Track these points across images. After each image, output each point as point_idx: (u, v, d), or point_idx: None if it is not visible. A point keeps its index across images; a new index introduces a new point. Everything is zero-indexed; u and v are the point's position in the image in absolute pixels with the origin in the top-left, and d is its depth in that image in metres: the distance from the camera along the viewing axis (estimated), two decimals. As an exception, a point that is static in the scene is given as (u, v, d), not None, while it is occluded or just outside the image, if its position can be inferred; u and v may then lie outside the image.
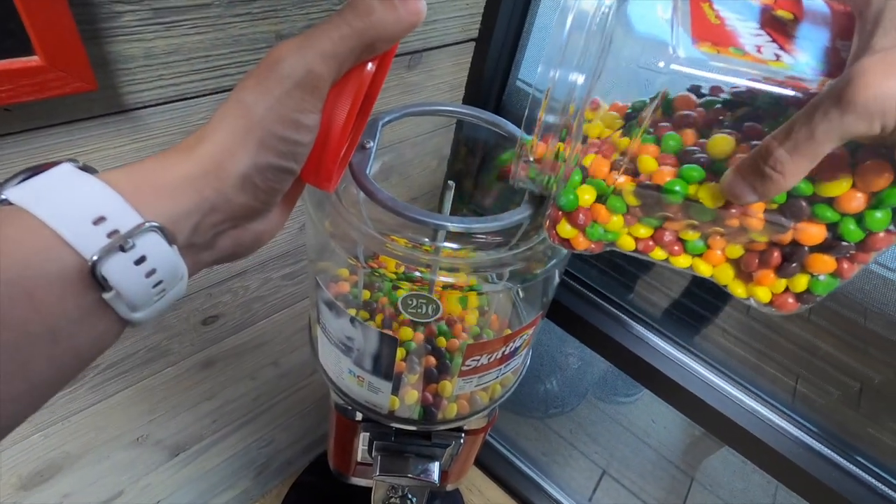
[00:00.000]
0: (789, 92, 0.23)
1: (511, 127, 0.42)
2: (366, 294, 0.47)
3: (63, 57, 0.31)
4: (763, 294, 0.27)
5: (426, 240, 0.37)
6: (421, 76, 0.57)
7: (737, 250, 0.27)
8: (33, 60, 0.30)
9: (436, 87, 0.61)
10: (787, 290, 0.27)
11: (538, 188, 0.31)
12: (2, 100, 0.30)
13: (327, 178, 0.26)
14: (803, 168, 0.21)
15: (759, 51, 0.23)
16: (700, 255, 0.28)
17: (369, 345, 0.40)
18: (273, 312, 0.65)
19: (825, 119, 0.19)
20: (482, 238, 0.37)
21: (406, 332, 0.44)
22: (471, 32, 0.59)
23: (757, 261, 0.27)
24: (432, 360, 0.44)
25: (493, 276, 0.37)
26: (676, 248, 0.28)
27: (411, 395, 0.45)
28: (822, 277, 0.26)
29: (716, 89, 0.25)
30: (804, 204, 0.24)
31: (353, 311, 0.40)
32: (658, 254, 0.28)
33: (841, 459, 0.58)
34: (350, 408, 0.48)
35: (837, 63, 0.22)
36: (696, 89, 0.26)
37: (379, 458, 0.52)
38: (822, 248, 0.25)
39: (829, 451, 0.59)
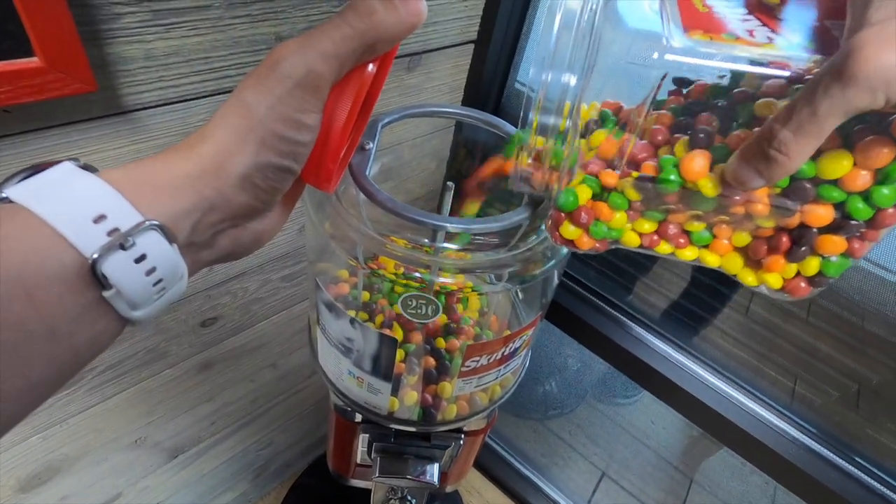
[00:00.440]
0: (786, 73, 0.23)
1: (510, 128, 0.42)
2: (365, 295, 0.47)
3: (62, 58, 0.31)
4: (774, 280, 0.27)
5: (426, 241, 0.37)
6: (420, 78, 0.58)
7: (744, 238, 0.27)
8: (33, 62, 0.30)
9: (435, 89, 0.61)
10: (798, 274, 0.26)
11: (537, 190, 0.31)
12: (1, 101, 0.30)
13: (327, 178, 0.26)
14: (809, 148, 0.20)
15: (751, 35, 0.23)
16: (706, 246, 0.28)
17: (369, 346, 0.40)
18: (272, 314, 0.65)
19: (827, 96, 0.19)
20: (481, 239, 0.37)
21: (406, 333, 0.44)
22: (470, 35, 0.59)
23: (765, 247, 0.26)
24: (432, 361, 0.44)
25: (491, 277, 0.37)
26: (682, 240, 0.28)
27: (411, 396, 0.45)
28: (833, 259, 0.25)
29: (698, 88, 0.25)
30: (808, 185, 0.24)
31: (352, 313, 0.40)
32: (664, 248, 0.28)
33: (839, 460, 0.58)
34: (349, 409, 0.48)
35: (828, 41, 0.22)
36: (680, 83, 0.26)
37: (378, 459, 0.52)
38: (831, 228, 0.24)
39: (827, 452, 0.59)
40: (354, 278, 0.48)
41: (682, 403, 0.65)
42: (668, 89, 0.26)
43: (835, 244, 0.25)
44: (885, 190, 0.23)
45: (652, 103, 0.25)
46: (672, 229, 0.27)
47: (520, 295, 0.50)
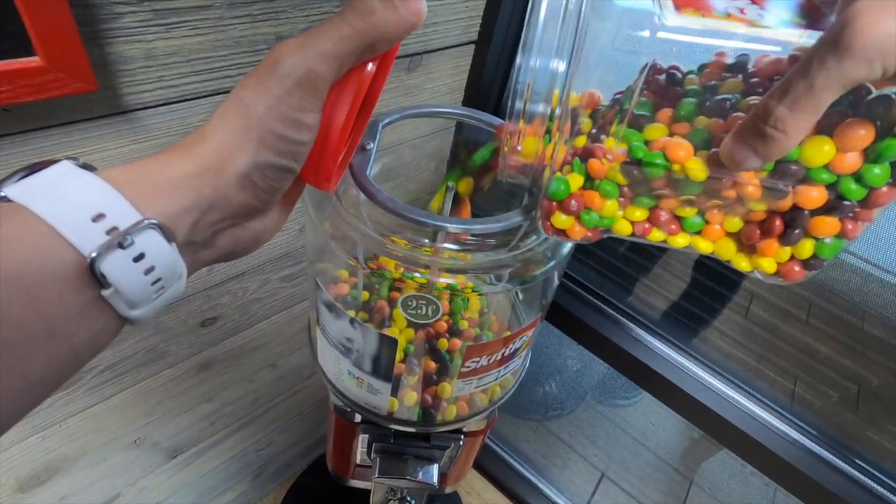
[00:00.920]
0: (778, 48, 0.23)
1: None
2: (365, 295, 0.47)
3: (63, 58, 0.31)
4: (768, 265, 0.26)
5: (426, 241, 0.37)
6: (421, 78, 0.58)
7: (736, 223, 0.27)
8: (33, 61, 0.30)
9: (435, 90, 0.61)
10: (792, 258, 0.26)
11: (527, 180, 0.31)
12: (1, 100, 0.30)
13: (327, 178, 0.26)
14: (806, 123, 0.20)
15: (741, 12, 0.23)
16: (699, 233, 0.27)
17: (369, 346, 0.40)
18: (272, 314, 0.65)
19: (823, 68, 0.19)
20: (482, 239, 0.37)
21: (405, 333, 0.44)
22: (470, 35, 0.59)
23: (758, 231, 0.26)
24: (432, 361, 0.44)
25: (491, 278, 0.37)
26: (674, 226, 0.27)
27: (410, 396, 0.45)
28: (827, 240, 0.25)
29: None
30: (796, 166, 0.23)
31: (352, 313, 0.40)
32: (656, 235, 0.28)
33: (839, 462, 0.58)
34: (349, 409, 0.48)
35: (817, 17, 0.22)
36: (671, 73, 0.26)
37: (378, 459, 0.52)
38: (824, 209, 0.24)
39: (827, 454, 0.59)
40: (354, 278, 0.48)
41: (682, 405, 0.65)
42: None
43: (828, 225, 0.24)
44: (876, 170, 0.22)
45: (642, 87, 0.25)
46: (663, 216, 0.27)
47: (520, 296, 0.50)
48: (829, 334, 0.77)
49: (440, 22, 0.55)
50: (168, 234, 0.20)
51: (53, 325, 0.18)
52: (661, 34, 0.23)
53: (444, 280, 0.35)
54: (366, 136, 0.38)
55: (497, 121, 0.43)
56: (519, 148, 0.28)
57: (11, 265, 0.17)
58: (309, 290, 0.48)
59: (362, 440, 0.53)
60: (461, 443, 0.53)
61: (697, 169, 0.24)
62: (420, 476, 0.52)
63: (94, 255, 0.18)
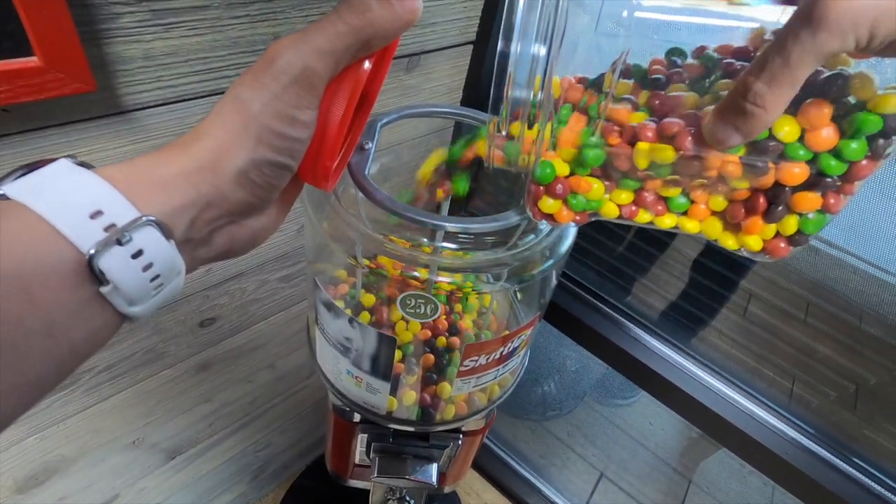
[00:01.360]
0: (755, 25, 0.23)
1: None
2: (364, 295, 0.47)
3: (62, 58, 0.31)
4: (754, 242, 0.27)
5: (425, 240, 0.37)
6: (419, 78, 0.58)
7: (721, 202, 0.27)
8: (32, 61, 0.30)
9: (433, 90, 0.61)
10: (777, 234, 0.27)
11: (513, 167, 0.31)
12: (0, 100, 0.30)
13: (325, 176, 0.26)
14: (784, 98, 0.20)
15: None
16: (685, 213, 0.28)
17: (368, 345, 0.40)
18: (270, 315, 0.65)
19: (797, 42, 0.19)
20: (480, 238, 0.37)
21: (404, 333, 0.44)
22: (468, 35, 0.59)
23: (742, 210, 0.26)
24: (431, 360, 0.44)
25: (489, 277, 0.37)
26: (660, 207, 0.28)
27: (409, 395, 0.45)
28: (810, 216, 0.25)
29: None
30: (772, 143, 0.24)
31: (349, 312, 0.40)
32: (643, 216, 0.28)
33: (837, 461, 0.58)
34: (348, 409, 0.48)
35: None
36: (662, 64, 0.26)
37: (377, 459, 0.52)
38: (806, 185, 0.25)
39: (825, 453, 0.59)
40: (353, 278, 0.48)
41: (681, 404, 0.65)
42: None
43: (810, 201, 0.25)
44: (853, 144, 0.23)
45: (621, 69, 0.25)
46: (649, 197, 0.27)
47: (518, 295, 0.50)
48: (827, 333, 0.77)
49: (438, 22, 0.55)
50: (166, 231, 0.20)
51: (52, 322, 0.18)
52: (638, 14, 0.23)
53: (443, 279, 0.36)
54: (364, 135, 0.38)
55: (495, 120, 0.43)
56: (504, 134, 0.28)
57: (10, 262, 0.17)
58: (308, 290, 0.48)
59: (361, 440, 0.53)
60: (460, 442, 0.53)
61: (663, 149, 0.25)
62: (419, 475, 0.52)
63: (92, 251, 0.18)
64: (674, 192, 0.27)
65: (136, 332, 0.52)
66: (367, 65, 0.24)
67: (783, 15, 0.21)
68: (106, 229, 0.18)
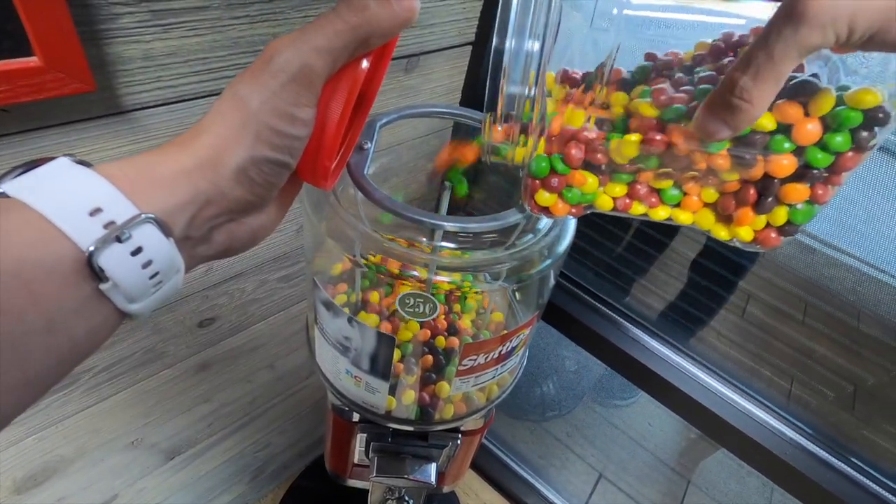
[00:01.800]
0: (742, 21, 0.24)
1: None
2: (363, 294, 0.47)
3: (61, 58, 0.31)
4: (745, 233, 0.28)
5: (424, 240, 0.37)
6: (418, 79, 0.58)
7: (712, 194, 0.28)
8: (32, 61, 0.30)
9: (432, 91, 0.61)
10: (768, 225, 0.27)
11: (510, 162, 0.31)
12: (0, 100, 0.30)
13: (324, 175, 0.26)
14: (769, 92, 0.21)
15: None
16: (678, 205, 0.29)
17: (367, 345, 0.40)
18: (269, 315, 0.65)
19: (780, 38, 0.19)
20: (479, 237, 0.38)
21: (403, 332, 0.44)
22: (467, 36, 0.60)
23: (733, 201, 0.27)
24: (429, 359, 0.44)
25: (488, 276, 0.37)
26: (653, 199, 0.28)
27: (408, 395, 0.45)
28: (799, 206, 0.26)
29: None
30: (758, 136, 0.24)
31: (347, 310, 0.40)
32: (637, 209, 0.29)
33: (836, 461, 0.58)
34: (347, 409, 0.48)
35: None
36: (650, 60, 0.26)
37: (376, 459, 0.52)
38: (794, 177, 0.25)
39: (824, 453, 0.59)
40: (352, 278, 0.48)
41: (679, 404, 0.65)
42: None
43: (798, 192, 0.25)
44: (838, 138, 0.24)
45: (612, 66, 0.25)
46: (642, 189, 0.28)
47: (517, 294, 0.50)
48: (825, 334, 0.77)
49: (437, 23, 0.55)
50: (165, 229, 0.20)
51: (52, 319, 0.18)
52: (627, 11, 0.24)
53: (442, 278, 0.36)
54: (363, 135, 0.38)
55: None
56: (499, 128, 0.29)
57: (10, 260, 0.17)
58: (307, 290, 0.48)
59: (360, 439, 0.53)
60: (459, 442, 0.53)
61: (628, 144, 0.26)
62: (418, 475, 0.52)
63: (91, 248, 0.18)
64: (666, 185, 0.28)
65: (136, 332, 0.52)
66: (365, 63, 0.24)
67: (769, 11, 0.22)
68: (105, 227, 0.19)
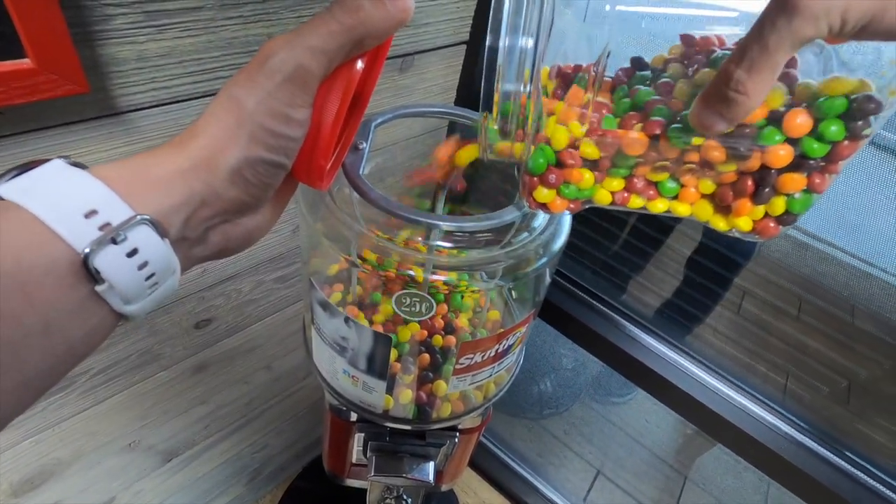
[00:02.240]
0: (734, 14, 0.24)
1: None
2: (360, 293, 0.47)
3: (54, 59, 0.31)
4: (744, 223, 0.28)
5: (419, 239, 0.37)
6: (412, 79, 0.58)
7: (710, 185, 0.28)
8: (24, 63, 0.30)
9: (427, 90, 0.61)
10: (766, 215, 0.27)
11: (507, 159, 0.31)
12: (-7, 102, 0.30)
13: (319, 175, 0.26)
14: (765, 84, 0.21)
15: None
16: (676, 198, 0.29)
17: (363, 344, 0.40)
18: (266, 315, 0.65)
19: (774, 30, 0.19)
20: (474, 236, 0.38)
21: (400, 332, 0.44)
22: (462, 35, 0.60)
23: (731, 192, 0.27)
24: (426, 358, 0.44)
25: (484, 275, 0.37)
26: (651, 192, 0.28)
27: (405, 394, 0.45)
28: (797, 196, 0.26)
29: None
30: (747, 129, 0.25)
31: (345, 310, 0.40)
32: (635, 202, 0.29)
33: (830, 455, 0.59)
34: (345, 408, 0.48)
35: None
36: (638, 62, 0.27)
37: (374, 458, 0.52)
38: (791, 167, 0.25)
39: (819, 448, 0.59)
40: (349, 277, 0.48)
41: (676, 401, 0.66)
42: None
43: (795, 181, 0.26)
44: (832, 127, 0.24)
45: (605, 63, 0.25)
46: (639, 183, 0.28)
47: (513, 293, 0.50)
48: (819, 329, 0.78)
49: (432, 22, 0.55)
50: (161, 230, 0.20)
51: (49, 321, 0.18)
52: (620, 7, 0.24)
53: (438, 277, 0.36)
54: (358, 135, 0.38)
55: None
56: (496, 127, 0.29)
57: (6, 262, 0.17)
58: (303, 291, 0.48)
59: (358, 439, 0.53)
60: (456, 440, 0.53)
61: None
62: (416, 474, 0.52)
63: (87, 250, 0.18)
64: (662, 177, 0.28)
65: (132, 335, 0.52)
66: (359, 64, 0.24)
67: (762, 3, 0.22)
68: (101, 228, 0.19)
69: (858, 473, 0.58)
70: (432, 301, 0.36)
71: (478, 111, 0.43)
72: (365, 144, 0.37)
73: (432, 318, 0.45)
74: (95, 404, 0.54)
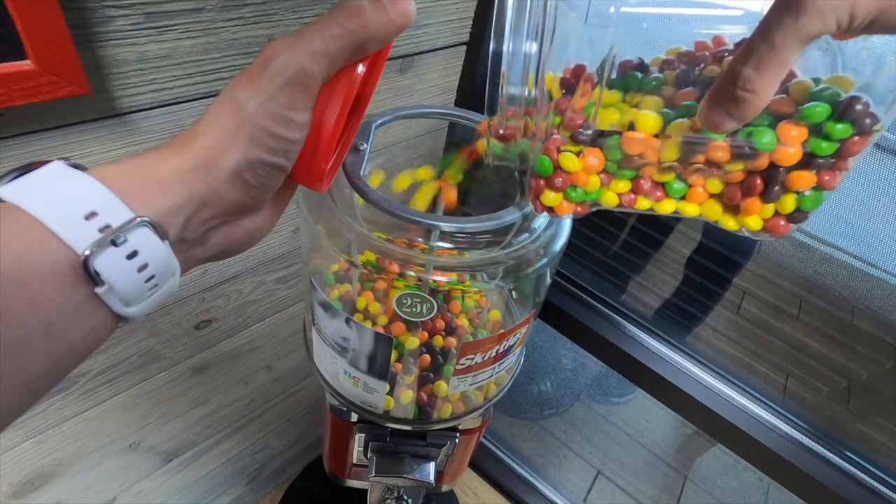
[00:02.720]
0: (738, 13, 0.24)
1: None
2: (360, 294, 0.47)
3: (55, 61, 0.31)
4: (754, 222, 0.27)
5: (420, 239, 0.38)
6: (413, 80, 0.58)
7: (718, 185, 0.27)
8: (26, 64, 0.30)
9: (427, 91, 0.61)
10: (776, 213, 0.27)
11: (513, 162, 0.31)
12: (-5, 104, 0.30)
13: (319, 178, 0.26)
14: (773, 82, 0.21)
15: None
16: (683, 198, 0.28)
17: (364, 345, 0.40)
18: (266, 316, 0.65)
19: (781, 27, 0.19)
20: (475, 237, 0.38)
21: (401, 332, 0.44)
22: (462, 36, 0.60)
23: (740, 191, 0.27)
24: (427, 359, 0.44)
25: (484, 275, 0.37)
26: (658, 193, 0.28)
27: (406, 394, 0.45)
28: (807, 193, 0.26)
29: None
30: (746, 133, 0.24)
31: (346, 311, 0.40)
32: (642, 203, 0.29)
33: (830, 455, 0.59)
34: (345, 409, 0.48)
35: None
36: (639, 64, 0.27)
37: (374, 458, 0.52)
38: (801, 164, 0.25)
39: (818, 447, 0.59)
40: (349, 278, 0.48)
41: (676, 400, 0.66)
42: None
43: (805, 179, 0.25)
44: (839, 125, 0.23)
45: (610, 65, 0.25)
46: (646, 184, 0.28)
47: (513, 293, 0.50)
48: (819, 330, 0.78)
49: (431, 24, 0.55)
50: (160, 232, 0.20)
51: (49, 322, 0.18)
52: (625, 9, 0.24)
53: (439, 278, 0.36)
54: (359, 136, 0.38)
55: (489, 121, 0.43)
56: (501, 131, 0.29)
57: (7, 263, 0.17)
58: (304, 291, 0.48)
59: (359, 439, 0.53)
60: (457, 440, 0.53)
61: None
62: (416, 474, 0.52)
63: (87, 252, 0.18)
64: (669, 178, 0.28)
65: (133, 335, 0.52)
66: (361, 68, 0.24)
67: (767, 2, 0.22)
68: (101, 230, 0.19)
69: (858, 473, 0.58)
70: (433, 302, 0.37)
71: (477, 111, 0.44)
72: (365, 145, 0.38)
73: (433, 318, 0.45)
74: (96, 405, 0.54)
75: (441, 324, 0.46)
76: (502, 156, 0.31)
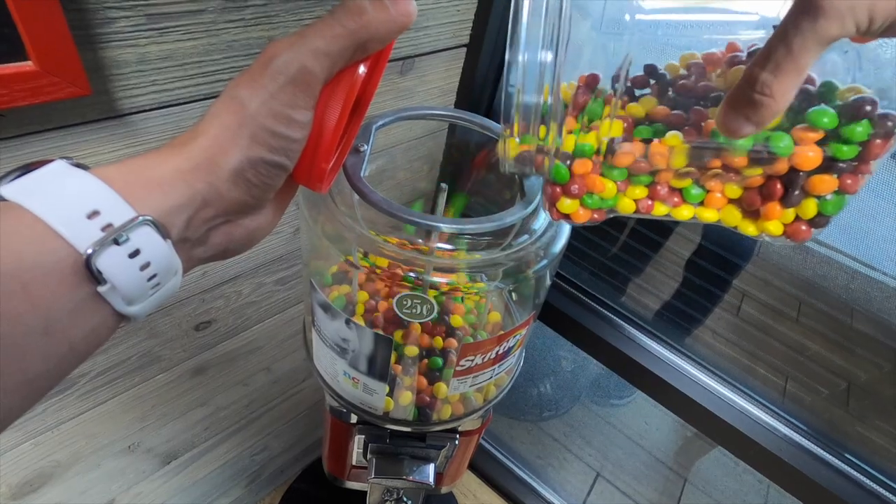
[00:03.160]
0: (755, 19, 0.23)
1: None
2: (361, 295, 0.47)
3: (57, 62, 0.31)
4: (774, 227, 0.27)
5: (420, 241, 0.38)
6: (413, 81, 0.58)
7: (737, 190, 0.27)
8: (27, 65, 0.30)
9: (428, 93, 0.61)
10: (797, 218, 0.26)
11: (529, 170, 0.31)
12: (-4, 104, 0.30)
13: (319, 178, 0.26)
14: (791, 86, 0.21)
15: None
16: (701, 204, 0.28)
17: (364, 346, 0.40)
18: (266, 317, 0.65)
19: (798, 31, 0.19)
20: (475, 239, 0.38)
21: (400, 333, 0.44)
22: (462, 38, 0.60)
23: (759, 196, 0.26)
24: (427, 360, 0.44)
25: (484, 277, 0.37)
26: (676, 199, 0.28)
27: (406, 396, 0.45)
28: (829, 197, 0.25)
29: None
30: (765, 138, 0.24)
31: (340, 306, 0.40)
32: (660, 209, 0.28)
33: (830, 457, 0.59)
34: (345, 410, 0.48)
35: None
36: (651, 69, 0.26)
37: (374, 460, 0.52)
38: (821, 168, 0.24)
39: (818, 449, 0.59)
40: (349, 279, 0.48)
41: (675, 402, 0.66)
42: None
43: (826, 183, 0.25)
44: (858, 128, 0.23)
45: (626, 76, 0.25)
46: (663, 190, 0.27)
47: (513, 295, 0.50)
48: (819, 331, 0.78)
49: (432, 25, 0.55)
50: (163, 231, 0.20)
51: (51, 321, 0.18)
52: (640, 16, 0.24)
53: (438, 279, 0.36)
54: (359, 138, 0.38)
55: (489, 122, 0.43)
56: (518, 140, 0.28)
57: (9, 262, 0.17)
58: (304, 292, 0.48)
59: (358, 441, 0.53)
60: (456, 442, 0.53)
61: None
62: (416, 476, 0.52)
63: (89, 251, 0.18)
64: (686, 183, 0.27)
65: (132, 337, 0.52)
66: (362, 69, 0.24)
67: (784, 6, 0.21)
68: (103, 229, 0.19)
69: (858, 475, 0.58)
70: (433, 303, 0.37)
71: (477, 113, 0.44)
72: (366, 147, 0.38)
73: (433, 319, 0.45)
74: (95, 406, 0.54)
75: (441, 325, 0.46)
76: (520, 167, 0.31)
